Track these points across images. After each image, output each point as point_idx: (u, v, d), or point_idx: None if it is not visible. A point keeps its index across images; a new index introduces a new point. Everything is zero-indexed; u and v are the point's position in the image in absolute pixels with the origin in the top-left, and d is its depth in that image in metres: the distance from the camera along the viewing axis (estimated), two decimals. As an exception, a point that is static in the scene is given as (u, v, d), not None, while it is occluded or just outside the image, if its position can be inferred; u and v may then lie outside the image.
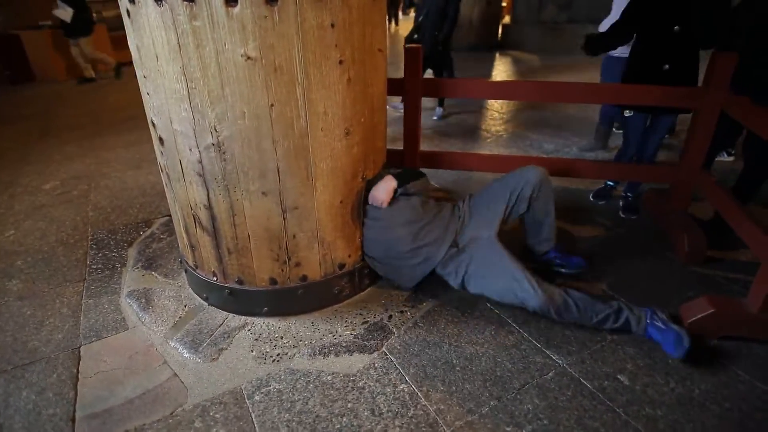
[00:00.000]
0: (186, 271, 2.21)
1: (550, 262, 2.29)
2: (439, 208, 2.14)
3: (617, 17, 3.22)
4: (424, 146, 2.73)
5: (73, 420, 1.63)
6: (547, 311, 1.84)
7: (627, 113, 2.72)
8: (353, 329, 1.98)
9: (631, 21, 2.53)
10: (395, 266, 2.08)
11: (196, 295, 2.18)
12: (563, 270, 2.27)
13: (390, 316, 2.05)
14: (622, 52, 3.29)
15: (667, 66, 2.46)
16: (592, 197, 3.10)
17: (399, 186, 2.04)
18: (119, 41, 7.84)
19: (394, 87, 2.40)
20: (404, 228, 2.01)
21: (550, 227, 2.21)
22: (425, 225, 2.03)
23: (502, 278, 1.89)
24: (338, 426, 1.57)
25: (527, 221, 2.22)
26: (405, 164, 2.67)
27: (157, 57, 1.62)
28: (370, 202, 2.03)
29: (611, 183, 3.11)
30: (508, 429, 1.56)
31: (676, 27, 2.37)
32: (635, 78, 2.58)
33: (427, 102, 4.89)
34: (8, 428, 1.60)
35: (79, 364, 1.87)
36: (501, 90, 2.77)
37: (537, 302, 1.82)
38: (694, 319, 1.91)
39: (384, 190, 2.00)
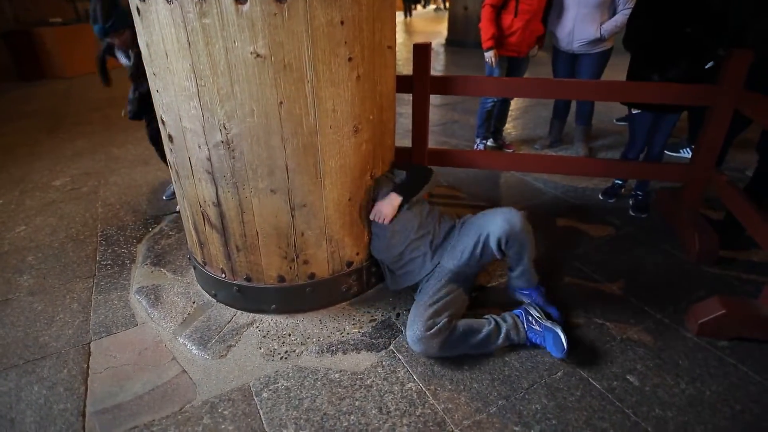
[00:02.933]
0: (194, 268, 2.22)
1: (522, 301, 2.05)
2: (431, 227, 1.99)
3: (565, 20, 3.29)
4: (432, 143, 2.72)
5: (84, 415, 1.64)
6: (421, 349, 1.75)
7: (634, 110, 2.69)
8: (361, 327, 1.97)
9: (642, 17, 2.50)
10: (387, 269, 2.10)
11: (204, 292, 2.19)
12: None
13: (398, 315, 2.05)
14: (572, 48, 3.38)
15: (684, 65, 2.42)
16: (601, 195, 3.07)
17: (404, 202, 1.95)
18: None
19: (402, 84, 2.39)
20: (395, 241, 1.98)
21: (523, 270, 1.95)
22: (413, 241, 1.96)
23: (416, 305, 1.87)
24: (346, 424, 1.57)
25: (507, 256, 1.94)
26: (413, 162, 2.65)
27: (166, 54, 1.62)
28: (372, 216, 1.97)
29: (620, 181, 3.08)
30: (516, 428, 1.55)
31: (688, 29, 2.34)
32: (646, 71, 2.55)
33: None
34: (20, 422, 1.62)
35: (89, 359, 1.88)
36: (509, 87, 2.75)
37: (409, 335, 1.77)
38: (705, 319, 1.89)
39: (389, 206, 1.93)
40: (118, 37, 2.38)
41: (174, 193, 2.88)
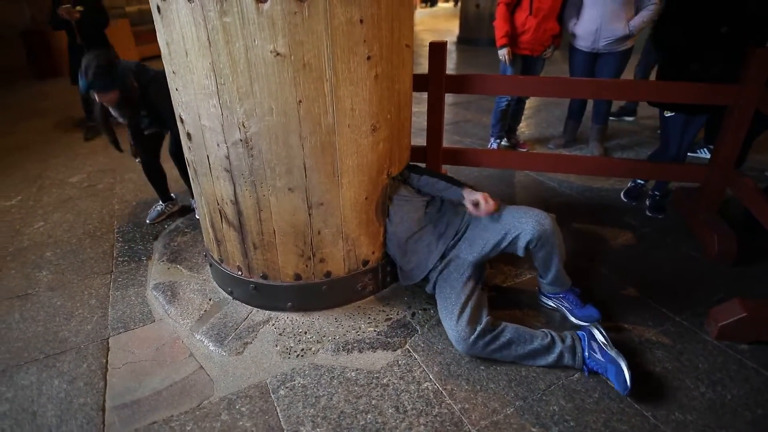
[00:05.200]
0: (211, 265, 2.23)
1: (557, 304, 2.03)
2: (433, 216, 1.99)
3: (589, 19, 3.24)
4: (444, 142, 2.71)
5: (104, 410, 1.66)
6: (464, 349, 1.76)
7: (667, 113, 2.62)
8: (377, 326, 1.97)
9: (676, 21, 2.45)
10: (399, 267, 2.10)
11: (220, 289, 2.20)
12: (573, 319, 1.97)
13: (413, 314, 2.04)
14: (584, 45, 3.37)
15: (716, 69, 2.35)
16: (624, 197, 3.02)
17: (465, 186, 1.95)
18: (140, 36, 7.95)
19: (418, 83, 2.38)
20: (399, 231, 1.99)
21: (555, 275, 1.93)
22: (415, 233, 1.97)
23: (444, 300, 1.86)
24: (363, 423, 1.58)
25: (534, 260, 1.95)
26: (427, 161, 2.65)
27: (186, 53, 1.63)
28: (484, 211, 1.85)
29: (642, 181, 3.04)
30: (534, 430, 1.54)
31: (725, 28, 2.28)
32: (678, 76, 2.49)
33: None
34: (41, 416, 1.65)
35: (107, 354, 1.91)
36: (527, 86, 2.72)
37: (451, 335, 1.78)
38: (725, 323, 1.86)
39: (477, 196, 1.87)
40: (103, 96, 2.35)
41: (159, 215, 2.92)
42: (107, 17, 4.29)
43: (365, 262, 2.05)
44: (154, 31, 1.82)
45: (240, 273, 2.04)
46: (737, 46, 2.30)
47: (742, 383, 1.71)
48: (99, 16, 4.22)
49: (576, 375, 1.74)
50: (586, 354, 1.75)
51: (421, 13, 16.80)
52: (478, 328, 1.73)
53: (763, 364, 1.78)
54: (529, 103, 5.08)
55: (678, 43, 2.43)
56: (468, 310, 1.77)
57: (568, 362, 1.75)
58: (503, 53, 3.42)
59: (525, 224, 1.80)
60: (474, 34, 9.33)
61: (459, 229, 1.97)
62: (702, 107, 2.46)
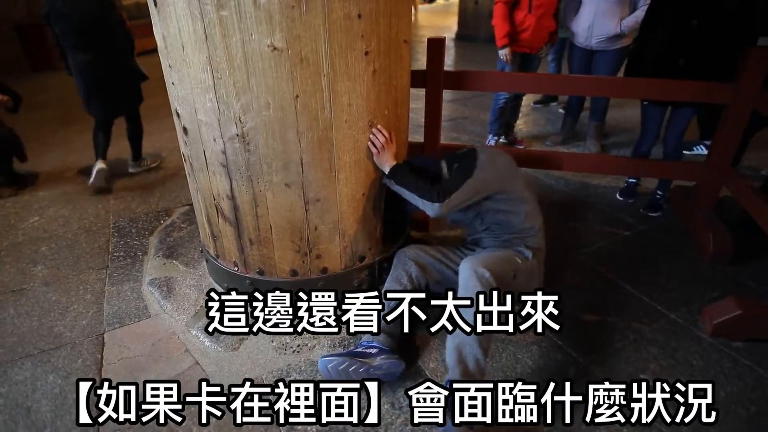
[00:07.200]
0: (207, 261, 2.23)
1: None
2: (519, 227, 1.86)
3: (584, 15, 3.27)
4: (442, 139, 2.70)
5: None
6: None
7: (644, 101, 2.66)
8: (373, 322, 1.97)
9: (656, 17, 2.47)
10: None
11: (216, 285, 2.20)
12: None
13: (409, 310, 2.04)
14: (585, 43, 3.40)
15: (682, 61, 2.41)
16: (620, 197, 3.02)
17: (388, 175, 1.88)
18: (135, 30, 7.88)
19: (415, 79, 2.37)
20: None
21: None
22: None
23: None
24: (358, 418, 1.58)
25: None
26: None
27: (183, 47, 1.62)
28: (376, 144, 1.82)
29: (634, 180, 3.05)
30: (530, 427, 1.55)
31: (695, 21, 2.31)
32: (649, 71, 2.52)
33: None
34: (36, 411, 1.64)
35: (103, 350, 1.90)
36: (524, 83, 2.72)
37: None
38: (720, 320, 1.87)
39: (388, 152, 1.85)
40: None
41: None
42: None
43: (362, 258, 2.04)
44: (150, 24, 1.81)
45: (236, 268, 2.03)
46: (709, 41, 2.33)
47: (737, 381, 1.72)
48: None
49: (571, 371, 1.74)
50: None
51: (420, 9, 16.73)
52: (414, 252, 1.92)
53: (757, 362, 1.79)
54: (527, 100, 5.08)
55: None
56: (431, 250, 1.93)
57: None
58: (504, 53, 3.40)
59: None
60: (472, 30, 9.30)
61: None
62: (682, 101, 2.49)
